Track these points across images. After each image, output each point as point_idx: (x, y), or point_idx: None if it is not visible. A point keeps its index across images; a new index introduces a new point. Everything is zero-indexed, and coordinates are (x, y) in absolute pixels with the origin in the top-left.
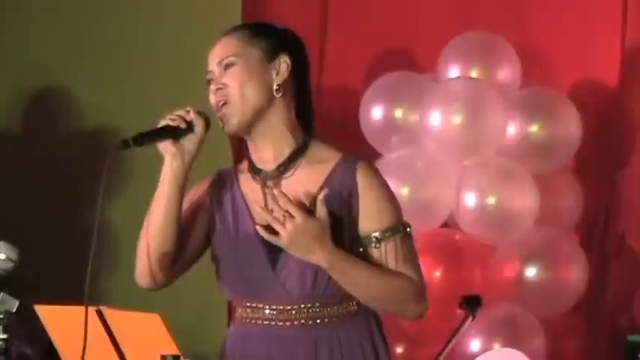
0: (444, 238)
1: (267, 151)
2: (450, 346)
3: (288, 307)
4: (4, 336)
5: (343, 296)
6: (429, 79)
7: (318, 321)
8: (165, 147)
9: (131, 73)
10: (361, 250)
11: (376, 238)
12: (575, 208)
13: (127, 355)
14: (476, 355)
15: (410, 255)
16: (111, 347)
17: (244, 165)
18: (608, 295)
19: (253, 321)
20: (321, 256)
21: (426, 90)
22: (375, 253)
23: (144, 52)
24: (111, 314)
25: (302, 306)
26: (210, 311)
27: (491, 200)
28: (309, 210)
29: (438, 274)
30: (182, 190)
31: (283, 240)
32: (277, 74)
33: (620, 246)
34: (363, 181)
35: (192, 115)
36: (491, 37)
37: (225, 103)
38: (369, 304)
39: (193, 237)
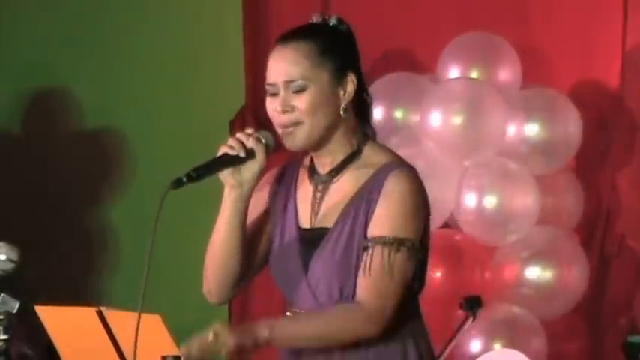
0: (444, 239)
1: (325, 158)
2: (451, 346)
3: None
4: (5, 337)
5: None
6: (430, 79)
7: None
8: (225, 177)
9: (131, 73)
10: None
11: (365, 245)
12: (575, 209)
13: (127, 356)
14: (476, 356)
15: (382, 271)
16: (111, 347)
17: (308, 160)
18: (609, 296)
19: None
20: (259, 331)
21: (426, 90)
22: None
23: (144, 52)
24: (111, 314)
25: None
26: (210, 312)
27: (491, 201)
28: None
29: (438, 274)
30: (243, 217)
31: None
32: (345, 94)
33: (620, 246)
34: (387, 187)
35: (251, 143)
36: (491, 38)
37: (294, 124)
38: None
39: (262, 246)
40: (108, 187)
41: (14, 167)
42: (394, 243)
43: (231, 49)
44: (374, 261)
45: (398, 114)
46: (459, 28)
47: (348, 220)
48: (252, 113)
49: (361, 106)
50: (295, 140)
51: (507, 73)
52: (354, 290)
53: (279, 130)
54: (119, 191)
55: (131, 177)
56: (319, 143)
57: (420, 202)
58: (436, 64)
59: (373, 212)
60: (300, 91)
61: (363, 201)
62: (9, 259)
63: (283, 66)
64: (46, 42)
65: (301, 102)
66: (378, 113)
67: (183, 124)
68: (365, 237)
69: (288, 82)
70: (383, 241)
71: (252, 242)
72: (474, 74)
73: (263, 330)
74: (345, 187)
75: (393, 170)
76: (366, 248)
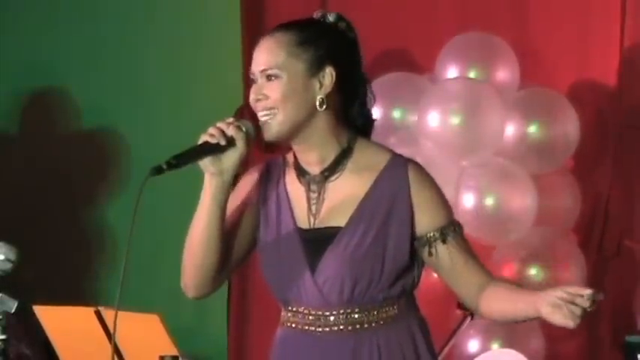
0: None
1: (311, 155)
2: (449, 346)
3: (327, 313)
4: (3, 336)
5: (383, 301)
6: (428, 79)
7: (357, 326)
8: (205, 165)
9: (130, 73)
10: (426, 249)
11: (442, 233)
12: (573, 209)
13: (126, 356)
14: (475, 356)
15: (473, 251)
16: (109, 347)
17: (292, 158)
18: (607, 296)
19: (294, 325)
20: None
21: (424, 90)
22: (442, 249)
23: (143, 52)
24: (110, 314)
25: (341, 312)
26: (209, 312)
27: (489, 201)
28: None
29: (436, 274)
30: (223, 206)
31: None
32: (321, 87)
33: (618, 246)
34: (415, 181)
35: (231, 131)
36: (489, 38)
37: (266, 114)
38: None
39: (240, 240)
40: (106, 187)
41: (11, 167)
42: (460, 225)
43: (231, 49)
44: (465, 244)
45: (396, 114)
46: (458, 28)
47: (364, 218)
48: (251, 113)
49: (347, 102)
50: (271, 129)
51: (505, 73)
52: (368, 286)
53: (259, 119)
54: (117, 191)
55: (129, 177)
56: (296, 133)
57: None
58: (434, 64)
59: (411, 209)
60: (273, 79)
61: (383, 199)
62: (7, 259)
63: (262, 55)
64: (46, 42)
65: (273, 90)
66: (376, 113)
67: (182, 124)
68: (411, 232)
69: (263, 71)
70: (454, 227)
71: (232, 236)
72: (472, 74)
73: None
74: (346, 186)
75: (407, 164)
76: (445, 237)
